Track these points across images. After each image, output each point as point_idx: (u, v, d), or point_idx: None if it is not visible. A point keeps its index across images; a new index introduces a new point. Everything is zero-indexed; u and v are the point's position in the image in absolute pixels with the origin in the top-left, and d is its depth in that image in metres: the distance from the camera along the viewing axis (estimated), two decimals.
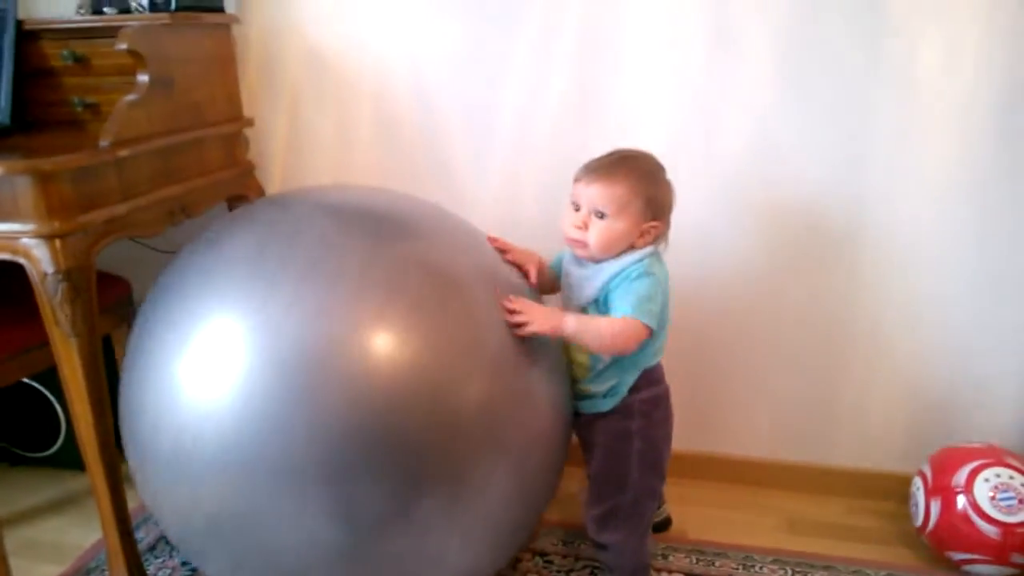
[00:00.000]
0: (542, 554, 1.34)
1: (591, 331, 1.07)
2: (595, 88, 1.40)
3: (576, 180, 1.12)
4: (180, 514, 1.02)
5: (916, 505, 1.33)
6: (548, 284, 1.22)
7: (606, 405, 1.15)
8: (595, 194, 1.09)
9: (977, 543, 1.24)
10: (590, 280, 1.12)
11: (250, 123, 1.50)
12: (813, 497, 1.49)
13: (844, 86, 1.31)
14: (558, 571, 1.31)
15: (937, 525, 1.28)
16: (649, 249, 1.11)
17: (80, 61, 1.34)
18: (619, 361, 1.13)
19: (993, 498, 1.23)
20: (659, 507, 1.39)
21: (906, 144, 1.32)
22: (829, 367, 1.46)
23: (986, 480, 1.25)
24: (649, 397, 1.15)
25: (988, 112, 1.28)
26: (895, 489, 1.44)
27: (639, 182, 1.09)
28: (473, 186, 1.49)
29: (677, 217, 1.41)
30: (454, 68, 1.45)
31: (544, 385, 1.08)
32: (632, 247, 1.11)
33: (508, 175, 1.47)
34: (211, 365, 0.96)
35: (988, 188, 1.31)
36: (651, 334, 1.07)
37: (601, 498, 1.17)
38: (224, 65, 1.45)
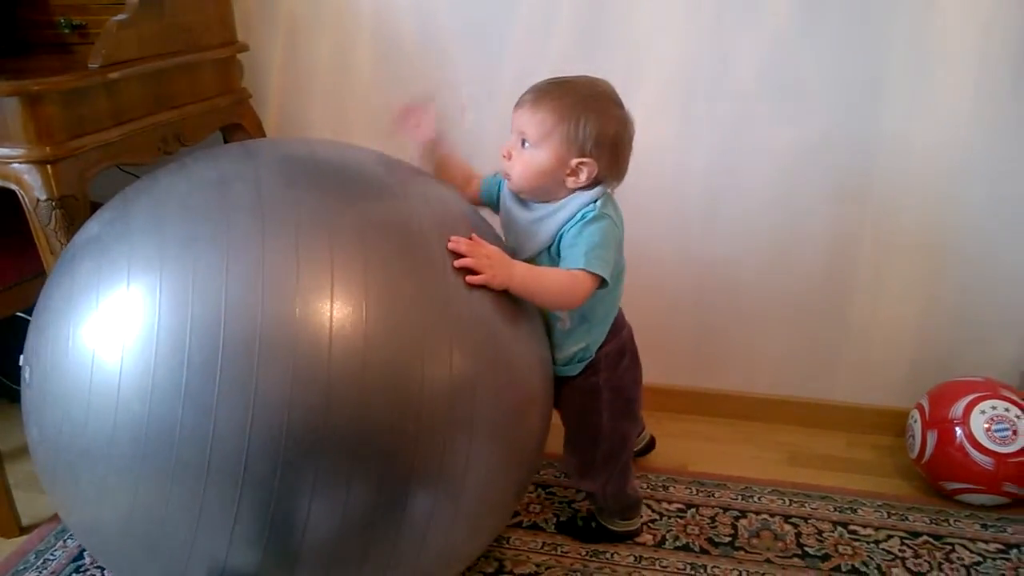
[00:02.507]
0: (544, 486, 1.36)
1: (539, 285, 0.97)
2: (606, 12, 1.35)
3: (515, 106, 1.02)
4: (85, 518, 0.90)
5: (913, 437, 1.34)
6: (471, 197, 1.12)
7: (575, 370, 1.11)
8: (521, 119, 1.00)
9: (971, 473, 1.26)
10: (539, 226, 1.02)
11: (244, 48, 1.45)
12: (813, 432, 1.51)
13: (860, 12, 1.27)
14: (560, 502, 1.32)
15: (933, 456, 1.30)
16: (598, 190, 1.00)
17: None
18: (586, 320, 1.06)
19: (988, 429, 1.25)
20: (639, 434, 1.38)
21: (922, 73, 1.29)
22: (832, 305, 1.46)
23: (982, 412, 1.26)
24: (612, 349, 1.11)
25: (1006, 40, 1.25)
26: (894, 424, 1.46)
27: (568, 109, 0.97)
28: (476, 114, 1.45)
29: (684, 152, 1.40)
30: None
31: (523, 348, 0.97)
32: (564, 187, 1.00)
33: (511, 104, 1.43)
34: (116, 332, 0.80)
35: (1003, 120, 1.29)
36: (603, 284, 0.99)
37: (576, 450, 1.17)
38: None
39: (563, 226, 1.00)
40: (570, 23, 1.37)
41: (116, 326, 0.81)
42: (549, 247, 1.02)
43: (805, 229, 1.42)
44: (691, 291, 1.49)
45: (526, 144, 1.00)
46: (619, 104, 1.02)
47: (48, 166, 1.03)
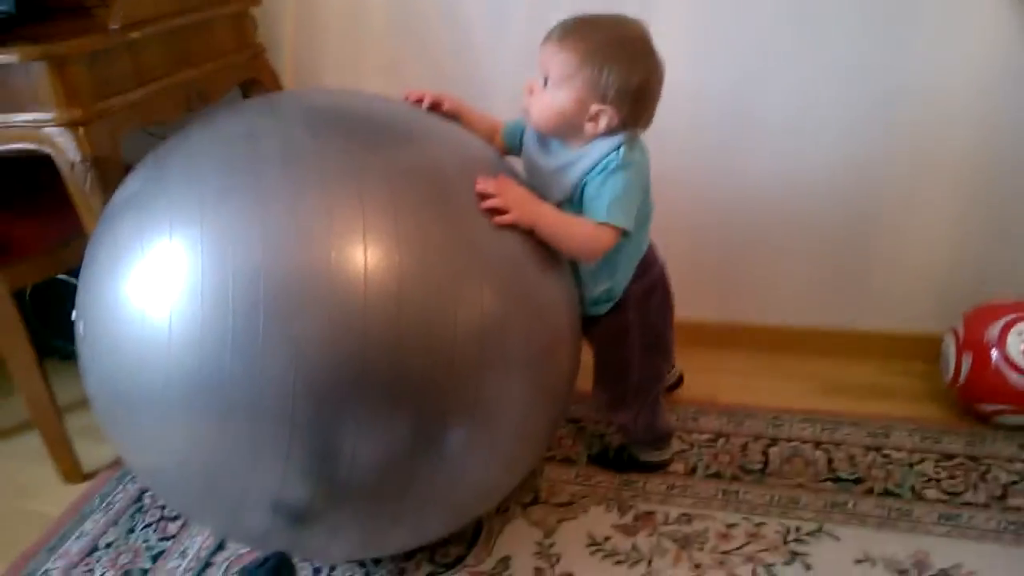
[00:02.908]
0: (574, 421, 1.39)
1: (565, 231, 0.97)
2: None
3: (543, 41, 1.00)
4: (146, 462, 0.95)
5: (947, 360, 1.34)
6: (496, 148, 1.11)
7: (602, 309, 1.12)
8: (545, 56, 0.97)
9: (1008, 394, 1.25)
10: (561, 175, 1.01)
11: (257, 2, 1.45)
12: (844, 360, 1.51)
13: None
14: (592, 435, 1.35)
15: (968, 378, 1.29)
16: (622, 136, 0.98)
17: None
18: (610, 262, 1.05)
19: None
20: (670, 370, 1.40)
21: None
22: (861, 231, 1.44)
23: (1019, 333, 1.25)
24: (642, 286, 1.11)
25: None
26: (926, 350, 1.44)
27: (593, 53, 0.94)
28: (490, 66, 1.44)
29: (705, 84, 1.37)
30: None
31: (551, 288, 0.98)
32: (583, 132, 0.98)
33: (526, 55, 1.41)
34: (157, 290, 0.83)
35: None
36: (624, 236, 0.99)
37: (607, 385, 1.19)
38: None
39: (586, 174, 0.98)
40: None
41: (162, 278, 0.83)
42: (572, 196, 1.01)
43: (830, 156, 1.39)
44: (716, 224, 1.48)
45: (548, 82, 0.98)
46: (649, 51, 0.98)
47: (79, 128, 1.06)
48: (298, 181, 0.84)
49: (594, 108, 0.96)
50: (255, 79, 1.45)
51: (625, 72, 0.95)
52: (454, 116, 1.06)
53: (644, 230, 1.09)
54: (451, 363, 0.85)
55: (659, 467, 1.25)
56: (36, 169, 1.33)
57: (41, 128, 1.06)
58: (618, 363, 1.16)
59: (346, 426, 0.83)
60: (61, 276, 1.53)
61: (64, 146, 1.06)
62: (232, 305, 0.80)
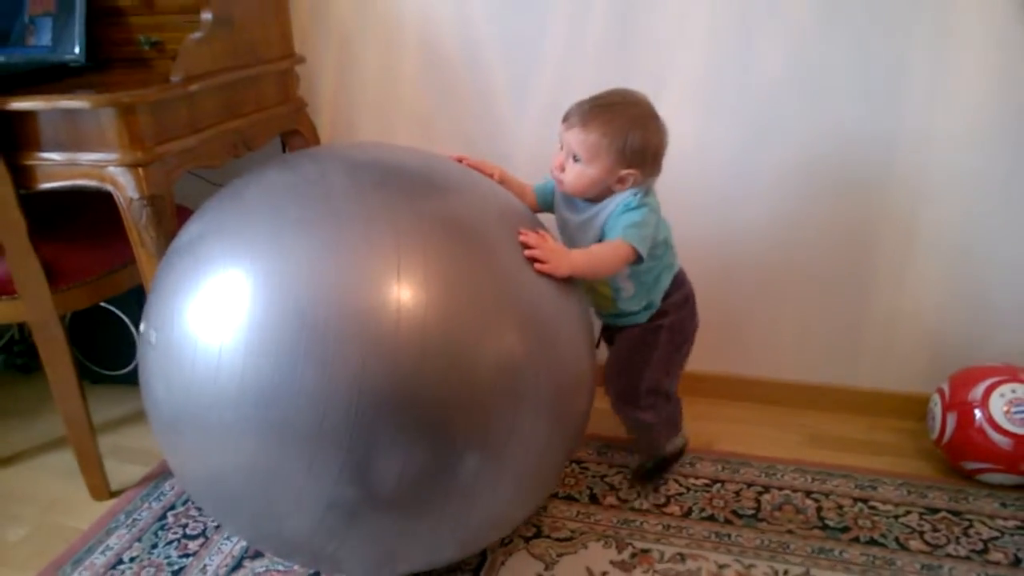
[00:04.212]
0: (578, 461, 1.46)
1: (591, 262, 1.13)
2: (634, 17, 1.45)
3: (563, 120, 1.16)
4: (188, 469, 1.04)
5: (933, 419, 1.41)
6: (528, 205, 1.24)
7: (642, 318, 1.28)
8: (572, 139, 1.14)
9: (990, 453, 1.32)
10: (588, 226, 1.18)
11: (301, 60, 1.58)
12: (835, 416, 1.58)
13: (881, 9, 1.34)
14: (593, 476, 1.42)
15: (953, 437, 1.36)
16: (635, 188, 1.16)
17: (145, 1, 1.42)
18: (644, 285, 1.24)
19: (1007, 412, 1.30)
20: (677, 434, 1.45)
21: (943, 67, 1.35)
22: (855, 293, 1.53)
23: (1001, 395, 1.32)
24: (677, 298, 1.28)
25: None
26: (915, 409, 1.51)
27: (615, 131, 1.12)
28: (513, 119, 1.56)
29: (710, 144, 1.48)
30: (497, 3, 1.50)
31: (570, 329, 1.07)
32: (610, 191, 1.16)
33: (548, 107, 1.53)
34: (219, 317, 0.93)
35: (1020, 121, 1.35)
36: (638, 257, 1.14)
37: (622, 376, 1.31)
38: (278, 4, 1.52)
39: (605, 222, 1.17)
40: (601, 28, 1.47)
41: (223, 306, 0.93)
42: (600, 239, 1.17)
43: (827, 220, 1.49)
44: (716, 280, 1.56)
45: (578, 159, 1.15)
46: (656, 116, 1.16)
47: (140, 169, 1.17)
48: (342, 225, 0.94)
49: (622, 173, 1.15)
50: (295, 130, 1.57)
51: (644, 139, 1.14)
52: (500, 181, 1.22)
53: (671, 250, 1.27)
54: (473, 395, 0.93)
55: (679, 457, 1.39)
56: (85, 201, 1.45)
57: (105, 168, 1.18)
58: (639, 360, 1.29)
59: (376, 447, 0.91)
60: (103, 304, 1.63)
61: (125, 184, 1.17)
62: (281, 332, 0.90)
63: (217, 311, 0.93)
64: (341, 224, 0.95)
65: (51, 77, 1.32)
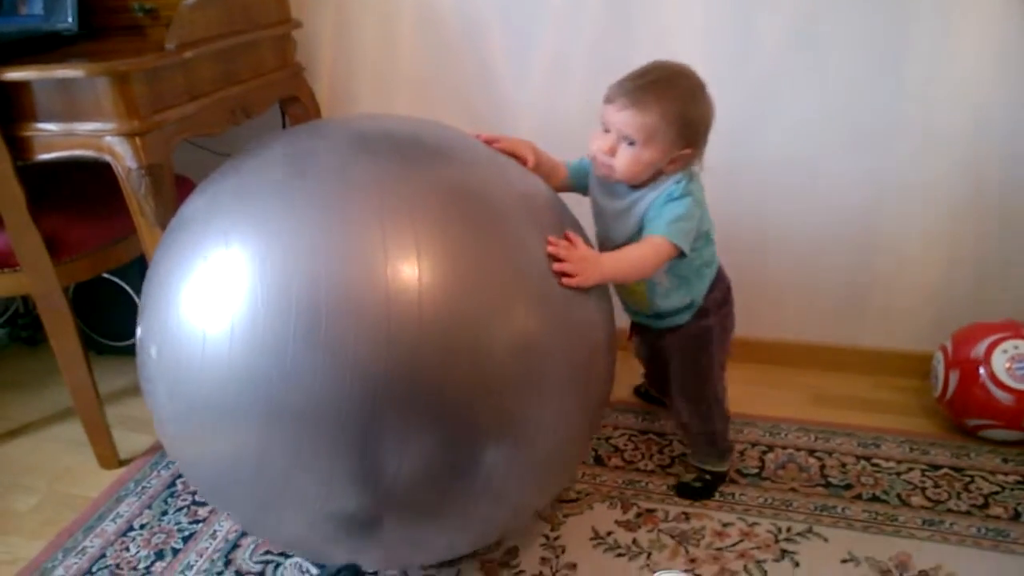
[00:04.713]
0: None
1: (623, 269, 1.06)
2: None
3: (607, 101, 1.06)
4: (188, 455, 1.00)
5: (936, 377, 1.41)
6: (560, 185, 1.18)
7: (683, 319, 1.19)
8: (625, 120, 1.04)
9: (992, 410, 1.33)
10: (627, 215, 1.10)
11: (298, 25, 1.56)
12: (839, 375, 1.59)
13: None
14: (598, 438, 1.43)
15: (955, 394, 1.37)
16: (683, 172, 1.08)
17: None
18: (684, 280, 1.14)
19: (1009, 368, 1.31)
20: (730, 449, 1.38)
21: (945, 23, 1.33)
22: (858, 253, 1.52)
23: (1004, 352, 1.32)
24: (719, 295, 1.20)
25: None
26: (918, 367, 1.52)
27: (672, 109, 1.03)
28: (513, 87, 1.54)
29: (717, 116, 1.46)
30: None
31: (590, 310, 1.02)
32: (661, 172, 1.08)
33: (549, 76, 1.52)
34: (217, 297, 0.88)
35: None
36: (680, 254, 1.06)
37: (690, 394, 1.23)
38: None
39: (647, 211, 1.07)
40: (600, 4, 1.43)
41: (223, 287, 0.88)
42: (640, 227, 1.08)
43: (830, 180, 1.48)
44: (720, 242, 1.55)
45: (632, 143, 1.05)
46: (704, 87, 1.07)
47: (137, 138, 1.16)
48: (350, 200, 0.89)
49: (676, 154, 1.06)
50: (294, 96, 1.55)
51: (702, 115, 1.07)
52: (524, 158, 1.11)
53: (712, 246, 1.17)
54: (490, 378, 0.88)
55: (725, 476, 1.30)
56: (86, 174, 1.44)
57: (102, 137, 1.17)
58: (701, 369, 1.22)
59: (391, 435, 0.86)
60: (105, 275, 1.63)
61: (123, 154, 1.16)
62: (290, 313, 0.84)
63: (216, 292, 0.88)
64: (349, 197, 0.89)
65: (45, 46, 1.30)
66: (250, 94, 1.42)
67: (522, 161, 1.10)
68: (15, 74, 1.14)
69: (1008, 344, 1.33)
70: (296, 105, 1.57)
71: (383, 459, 0.87)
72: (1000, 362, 1.32)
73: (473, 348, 0.87)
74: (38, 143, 1.20)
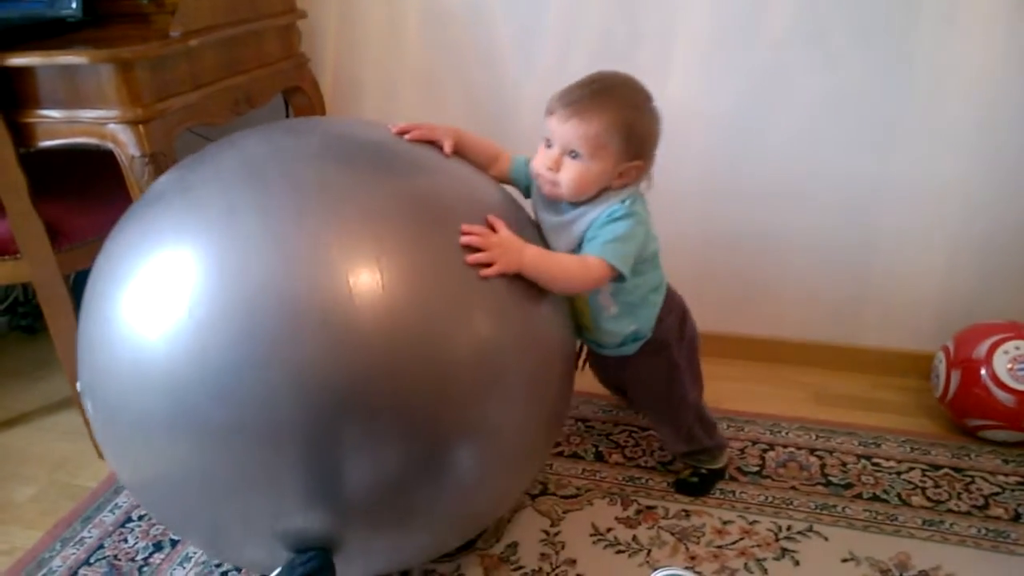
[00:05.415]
0: (583, 420, 1.47)
1: (548, 269, 0.97)
2: None
3: (549, 113, 1.00)
4: (137, 476, 0.94)
5: (937, 377, 1.41)
6: (501, 177, 1.13)
7: (631, 350, 1.15)
8: (569, 132, 0.98)
9: (993, 410, 1.32)
10: (567, 230, 1.03)
11: (303, 15, 1.55)
12: (840, 374, 1.58)
13: None
14: (599, 434, 1.43)
15: (956, 394, 1.37)
16: (630, 189, 1.03)
17: None
18: (631, 307, 1.10)
19: (1011, 369, 1.31)
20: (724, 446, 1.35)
21: (951, 22, 1.32)
22: (859, 252, 1.52)
23: (1005, 352, 1.32)
24: (676, 318, 1.16)
25: None
26: (919, 367, 1.52)
27: (617, 118, 0.97)
28: (518, 75, 1.54)
29: (716, 107, 1.46)
30: None
31: (544, 308, 0.98)
32: (608, 188, 1.02)
33: (554, 62, 1.51)
34: (161, 303, 0.83)
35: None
36: (617, 276, 1.01)
37: (672, 423, 1.22)
38: None
39: (588, 229, 1.02)
40: None
41: (165, 288, 0.84)
42: (578, 247, 1.03)
43: (832, 177, 1.47)
44: (721, 240, 1.56)
45: (577, 155, 0.99)
46: (652, 98, 1.03)
47: (140, 126, 1.15)
48: (304, 204, 0.86)
49: (625, 166, 1.01)
50: (298, 87, 1.55)
51: (648, 126, 1.02)
52: (455, 150, 1.05)
53: (659, 269, 1.12)
54: (448, 385, 0.86)
55: (723, 472, 1.29)
56: (86, 162, 1.43)
57: (105, 124, 1.16)
58: (676, 400, 1.20)
59: (345, 448, 0.83)
60: None
61: (126, 141, 1.16)
62: (232, 323, 0.80)
63: (155, 295, 0.84)
64: (303, 202, 0.86)
65: (48, 32, 1.29)
66: (254, 84, 1.41)
67: (439, 147, 1.03)
68: (19, 60, 1.14)
69: (1010, 345, 1.33)
70: (300, 95, 1.56)
71: (340, 472, 0.84)
72: (1002, 363, 1.32)
73: (424, 355, 0.84)
74: (41, 130, 1.19)
